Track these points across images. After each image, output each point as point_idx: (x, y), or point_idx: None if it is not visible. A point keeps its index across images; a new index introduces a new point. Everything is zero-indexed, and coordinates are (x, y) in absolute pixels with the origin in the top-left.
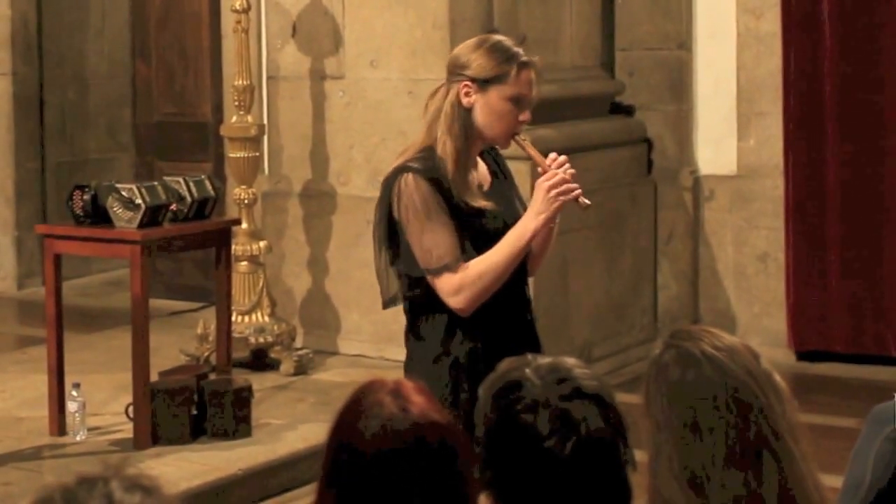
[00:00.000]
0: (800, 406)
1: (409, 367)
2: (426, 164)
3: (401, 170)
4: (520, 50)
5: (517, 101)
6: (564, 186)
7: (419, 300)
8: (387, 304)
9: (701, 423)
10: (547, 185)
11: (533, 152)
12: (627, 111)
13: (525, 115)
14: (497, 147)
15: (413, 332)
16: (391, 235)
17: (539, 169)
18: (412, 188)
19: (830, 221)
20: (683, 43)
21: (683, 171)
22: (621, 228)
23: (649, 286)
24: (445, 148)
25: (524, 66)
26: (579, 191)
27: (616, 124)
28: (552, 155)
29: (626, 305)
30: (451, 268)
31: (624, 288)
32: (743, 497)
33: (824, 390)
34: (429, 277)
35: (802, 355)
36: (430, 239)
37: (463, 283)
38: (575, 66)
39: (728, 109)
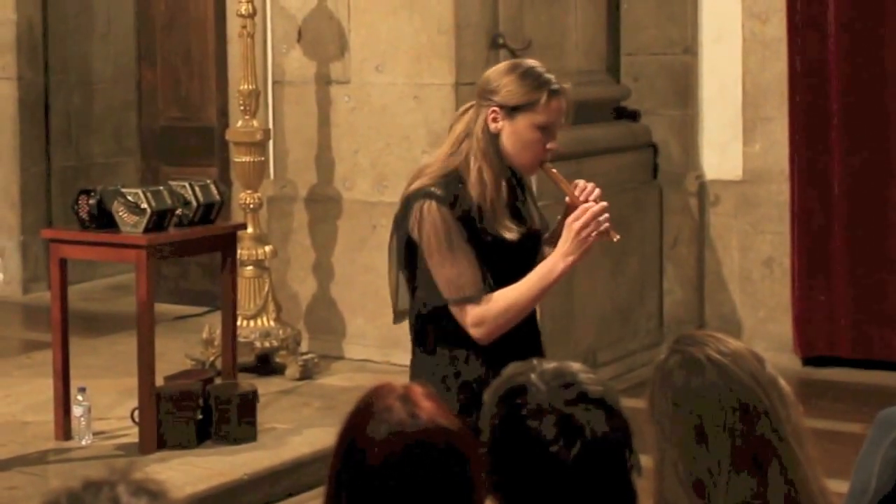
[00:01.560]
0: (805, 411)
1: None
2: (448, 190)
3: (423, 194)
4: (551, 77)
5: (545, 129)
6: (594, 224)
7: (429, 316)
8: (398, 317)
9: (706, 428)
10: (577, 227)
11: (561, 181)
12: (633, 116)
13: (553, 144)
14: (524, 174)
15: (421, 346)
16: (407, 253)
17: (567, 199)
18: (435, 217)
19: (836, 226)
20: (689, 48)
21: (689, 176)
22: (626, 233)
23: (654, 291)
24: (482, 175)
25: (554, 94)
26: (608, 224)
27: (621, 129)
28: (580, 184)
29: (631, 310)
30: (473, 300)
31: (629, 293)
32: (748, 502)
33: (830, 395)
34: (451, 307)
35: (808, 360)
36: (453, 270)
37: (486, 316)
38: (580, 70)
39: (733, 114)
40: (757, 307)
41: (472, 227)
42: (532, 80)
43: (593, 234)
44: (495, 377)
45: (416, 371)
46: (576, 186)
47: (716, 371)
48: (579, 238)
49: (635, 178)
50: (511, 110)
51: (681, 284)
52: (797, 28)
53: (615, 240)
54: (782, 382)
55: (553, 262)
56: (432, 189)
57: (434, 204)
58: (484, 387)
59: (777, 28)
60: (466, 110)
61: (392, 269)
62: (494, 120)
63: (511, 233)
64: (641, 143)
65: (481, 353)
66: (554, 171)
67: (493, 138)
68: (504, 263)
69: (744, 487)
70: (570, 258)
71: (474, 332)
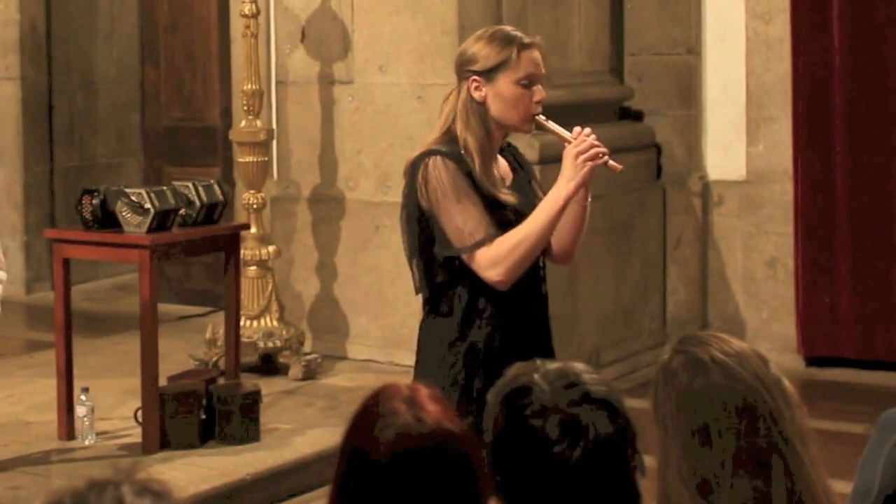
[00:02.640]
0: (809, 412)
1: (423, 348)
2: (450, 147)
3: (425, 154)
4: (519, 34)
5: (527, 84)
6: (592, 151)
7: (443, 284)
8: (418, 290)
9: (710, 428)
10: (575, 152)
11: (556, 129)
12: (636, 116)
13: (539, 95)
14: (521, 133)
15: (433, 311)
16: (418, 223)
17: (565, 144)
18: (440, 169)
19: (840, 227)
20: (692, 48)
21: (692, 177)
22: (630, 233)
23: (658, 291)
24: (468, 145)
25: (525, 47)
26: (607, 156)
27: (625, 129)
28: (576, 129)
29: (634, 310)
30: (484, 243)
31: (632, 293)
32: (752, 502)
33: (833, 396)
34: (464, 257)
35: (811, 361)
36: (462, 218)
37: (498, 255)
38: (584, 71)
39: (737, 115)
40: (760, 308)
41: (476, 186)
42: (500, 39)
43: (591, 161)
44: (502, 340)
45: (425, 335)
46: (573, 132)
47: (720, 372)
48: (577, 162)
49: (639, 179)
50: (489, 74)
51: (684, 285)
52: (800, 28)
53: (618, 169)
54: (786, 383)
55: (556, 190)
56: (435, 147)
57: (438, 158)
58: (490, 349)
59: (780, 28)
60: (449, 95)
61: (406, 243)
62: (477, 89)
63: (506, 196)
64: (645, 143)
65: (489, 318)
66: (548, 120)
67: (479, 107)
68: (503, 228)
69: (747, 488)
70: (573, 183)
71: (490, 275)
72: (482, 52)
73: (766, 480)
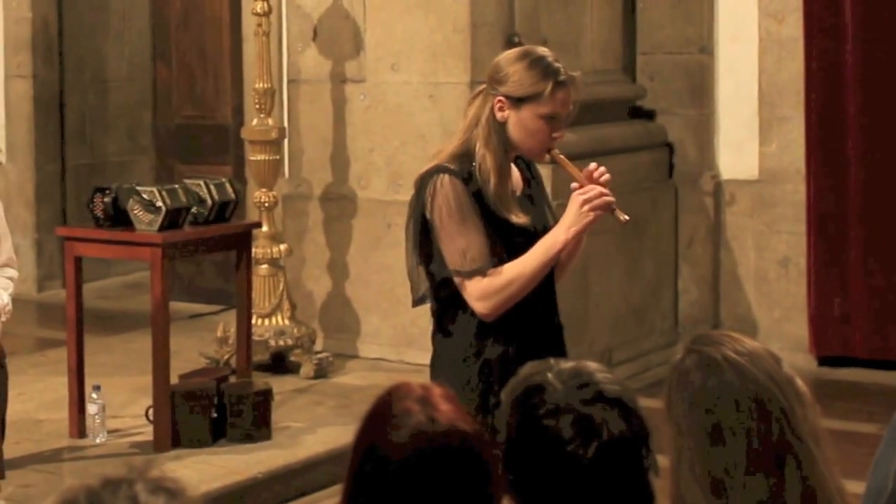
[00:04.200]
0: (821, 411)
1: (437, 366)
2: (462, 166)
3: (437, 170)
4: (560, 67)
5: (551, 119)
6: (600, 200)
7: (448, 299)
8: (416, 302)
9: (723, 427)
10: (581, 199)
11: (569, 167)
12: (648, 115)
13: (560, 133)
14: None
15: (441, 330)
16: (422, 234)
17: (573, 184)
18: (448, 189)
19: (852, 226)
20: (705, 47)
21: (704, 176)
22: (642, 233)
23: (670, 291)
24: (486, 162)
25: (560, 85)
26: (614, 205)
27: (637, 128)
28: (592, 165)
29: (646, 310)
30: (480, 272)
31: (644, 292)
32: (765, 502)
33: (845, 396)
34: (457, 280)
35: (823, 360)
36: (463, 241)
37: (490, 289)
38: (596, 70)
39: (749, 114)
40: (772, 307)
41: (484, 205)
42: (538, 70)
43: (595, 211)
44: (515, 355)
45: (438, 354)
46: (586, 170)
47: (732, 371)
48: (582, 210)
49: (651, 178)
50: (516, 101)
51: (696, 284)
52: (813, 27)
53: (623, 220)
54: (799, 382)
55: (556, 234)
56: (446, 165)
57: (447, 177)
58: (505, 364)
59: (793, 28)
60: (477, 96)
61: (409, 253)
62: (501, 109)
63: (518, 218)
64: (657, 142)
65: (501, 332)
66: (562, 156)
67: (500, 126)
68: (514, 249)
69: (761, 487)
70: (573, 229)
71: (479, 307)
72: (516, 76)
73: (779, 480)
